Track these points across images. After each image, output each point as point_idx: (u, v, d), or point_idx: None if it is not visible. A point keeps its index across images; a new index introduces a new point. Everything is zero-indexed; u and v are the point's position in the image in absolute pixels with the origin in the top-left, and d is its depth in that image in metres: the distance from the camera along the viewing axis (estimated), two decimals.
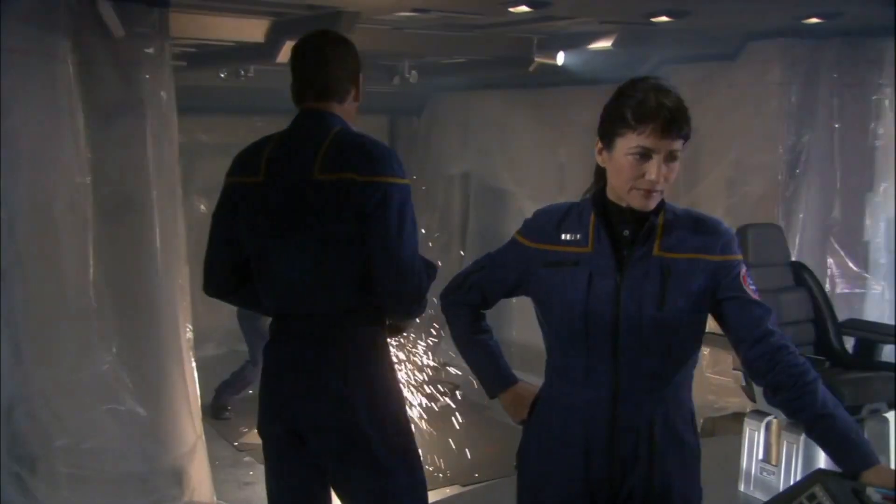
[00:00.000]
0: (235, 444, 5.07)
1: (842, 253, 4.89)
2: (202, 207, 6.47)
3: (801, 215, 4.87)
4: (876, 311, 4.83)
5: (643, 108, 1.67)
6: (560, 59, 4.86)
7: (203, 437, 3.54)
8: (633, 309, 1.76)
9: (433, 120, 7.10)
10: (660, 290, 1.75)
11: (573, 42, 4.84)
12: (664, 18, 4.00)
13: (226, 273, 2.23)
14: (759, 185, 4.93)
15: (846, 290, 4.90)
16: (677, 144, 1.70)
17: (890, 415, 3.73)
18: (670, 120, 1.65)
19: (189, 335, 3.59)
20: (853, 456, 1.66)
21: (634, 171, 1.69)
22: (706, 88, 5.08)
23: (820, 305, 3.91)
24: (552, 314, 1.86)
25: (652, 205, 1.73)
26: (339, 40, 2.17)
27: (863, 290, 4.87)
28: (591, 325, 1.79)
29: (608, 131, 1.76)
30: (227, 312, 5.44)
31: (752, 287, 1.81)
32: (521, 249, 1.91)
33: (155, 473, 3.33)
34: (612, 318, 1.77)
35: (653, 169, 1.67)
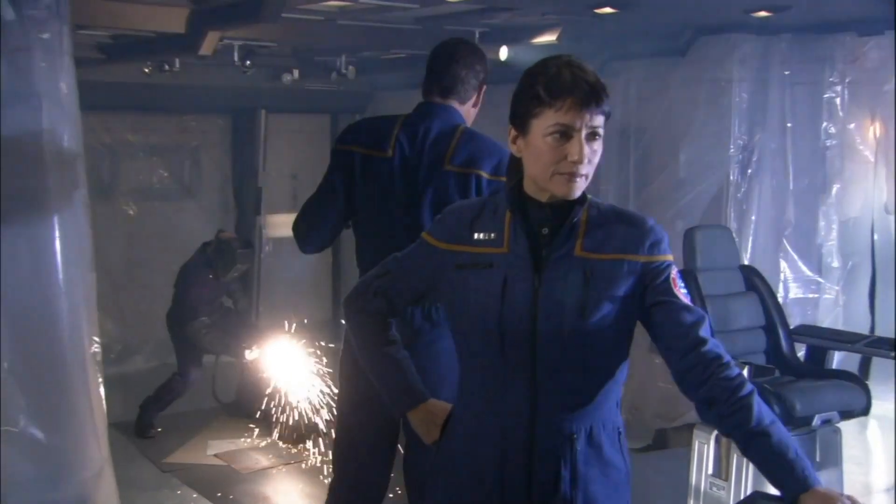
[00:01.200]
0: (161, 464, 4.84)
1: (795, 256, 4.83)
2: (130, 211, 6.23)
3: (753, 217, 4.81)
4: (829, 316, 4.79)
5: (558, 81, 1.56)
6: (503, 53, 4.74)
7: (110, 461, 3.30)
8: (552, 316, 1.63)
9: None
10: (581, 294, 1.62)
11: (517, 36, 4.73)
12: (608, 10, 3.91)
13: (329, 232, 2.55)
14: (711, 185, 4.87)
15: (799, 295, 4.84)
16: (598, 120, 1.59)
17: (843, 425, 3.67)
18: (589, 92, 1.56)
19: (95, 349, 3.35)
20: (790, 478, 1.54)
21: (555, 153, 1.57)
22: (656, 86, 5.02)
23: (771, 311, 3.85)
24: (463, 322, 1.71)
25: (576, 191, 1.61)
26: (472, 49, 2.52)
27: (816, 296, 4.82)
28: (505, 335, 1.65)
29: (521, 114, 1.63)
30: (158, 324, 5.24)
31: (684, 291, 1.69)
32: (430, 251, 1.77)
33: (55, 502, 3.09)
34: (529, 327, 1.64)
35: (575, 148, 1.56)
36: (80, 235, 3.30)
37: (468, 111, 2.51)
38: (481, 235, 1.70)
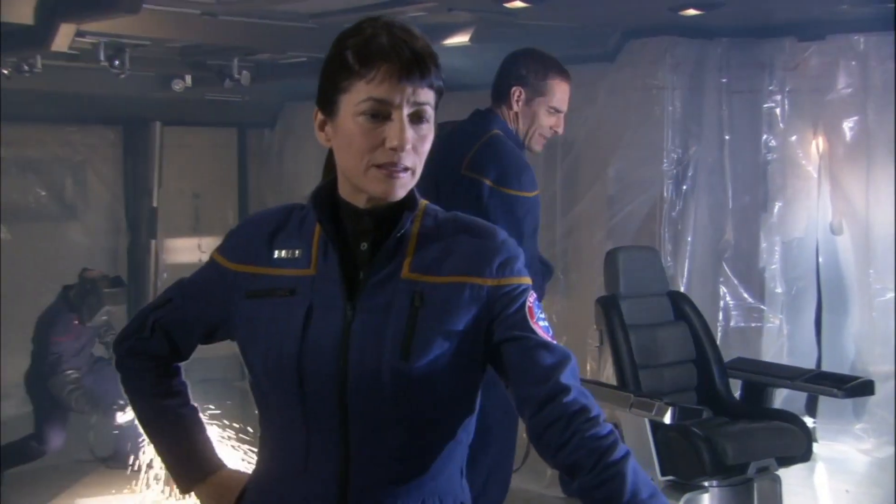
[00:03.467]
0: None
1: (735, 281, 4.62)
2: (1, 235, 5.77)
3: (689, 238, 4.61)
4: (773, 347, 4.56)
5: (372, 44, 1.27)
6: None
7: None
8: (368, 357, 1.29)
9: (287, 132, 6.68)
10: (406, 329, 1.29)
11: (427, 36, 4.44)
12: (518, 3, 3.64)
13: None
14: (643, 203, 4.67)
15: (741, 325, 4.63)
16: (425, 95, 1.28)
17: (783, 472, 3.39)
18: (411, 59, 1.26)
19: None
20: None
21: (369, 137, 1.27)
22: (583, 94, 4.68)
23: (703, 343, 3.63)
24: (254, 366, 1.36)
25: (399, 190, 1.30)
26: (518, 53, 2.69)
27: (759, 325, 4.60)
28: (307, 382, 1.30)
29: (327, 89, 1.30)
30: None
31: (543, 324, 1.35)
32: (220, 273, 1.41)
33: None
34: (338, 372, 1.30)
35: (394, 130, 1.26)
36: None
37: (506, 114, 2.65)
38: (283, 253, 1.37)
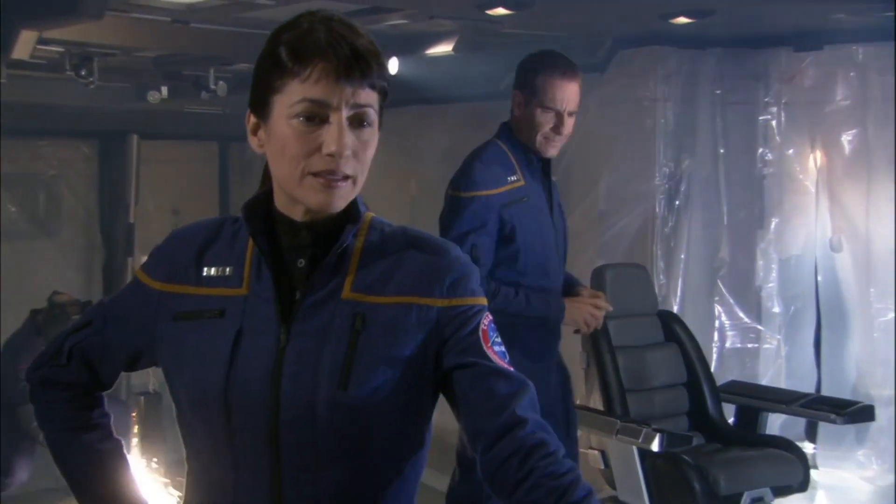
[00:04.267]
0: None
1: (731, 300, 4.57)
2: None
3: (682, 255, 4.56)
4: (770, 369, 4.50)
5: (307, 39, 1.16)
6: (393, 65, 4.37)
7: None
8: (303, 386, 1.19)
9: None
10: (346, 355, 1.19)
11: (409, 46, 4.40)
12: (501, 11, 3.59)
13: None
14: (635, 219, 4.61)
15: (737, 346, 4.58)
16: (367, 96, 1.18)
17: (780, 502, 3.27)
18: (350, 56, 1.16)
19: None
20: None
21: (304, 142, 1.17)
22: None
23: (694, 365, 3.56)
24: (179, 395, 1.26)
25: (338, 202, 1.20)
26: (527, 57, 2.70)
27: (755, 345, 4.55)
28: (235, 415, 1.20)
29: (260, 91, 1.20)
30: None
31: (499, 349, 1.24)
32: (145, 293, 1.31)
33: None
34: (269, 401, 1.19)
35: (332, 135, 1.16)
36: None
37: (514, 120, 2.64)
38: (212, 271, 1.27)
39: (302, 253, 1.23)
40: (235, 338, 1.21)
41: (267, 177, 1.30)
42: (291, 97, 1.16)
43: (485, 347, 1.22)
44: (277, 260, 1.24)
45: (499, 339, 1.25)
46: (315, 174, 1.17)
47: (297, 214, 1.22)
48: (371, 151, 1.21)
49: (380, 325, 1.20)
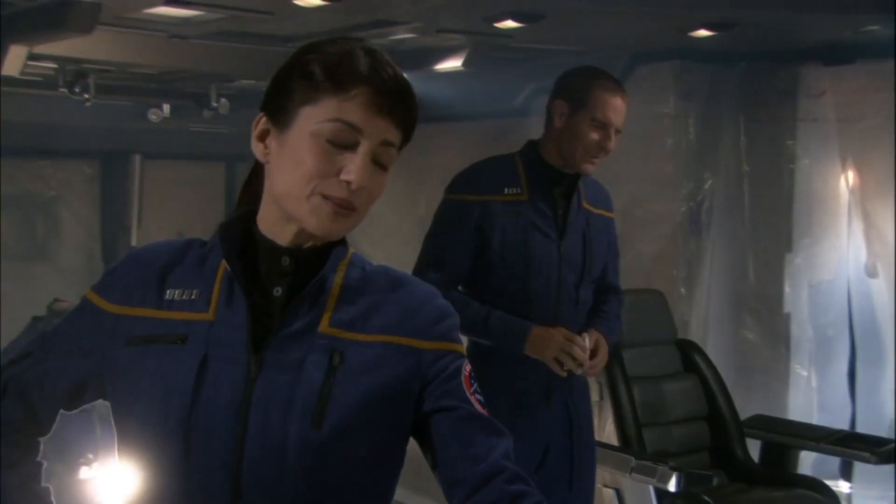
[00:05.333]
0: None
1: (757, 328, 4.50)
2: None
3: (705, 280, 4.48)
4: (801, 401, 4.40)
5: (351, 62, 1.16)
6: None
7: None
8: (273, 422, 1.14)
9: None
10: (321, 391, 1.15)
11: (417, 61, 4.37)
12: (511, 24, 3.54)
13: None
14: (654, 242, 4.53)
15: (764, 377, 4.51)
16: (395, 135, 1.18)
17: None
18: (394, 88, 1.16)
19: None
20: None
21: (323, 162, 1.15)
22: None
23: (716, 398, 3.48)
24: (128, 426, 1.19)
25: (339, 231, 1.20)
26: (574, 68, 2.63)
27: (784, 377, 4.47)
28: (193, 449, 1.14)
29: (283, 97, 1.18)
30: None
31: (479, 397, 1.22)
32: (95, 317, 1.24)
33: None
34: (233, 437, 1.14)
35: (355, 164, 1.15)
36: None
37: (552, 135, 2.56)
38: (175, 294, 1.21)
39: (280, 281, 1.20)
40: (200, 366, 1.15)
41: (247, 197, 1.27)
42: (324, 113, 1.14)
43: (467, 392, 1.20)
44: (251, 286, 1.19)
45: (479, 388, 1.23)
46: (325, 197, 1.15)
47: (284, 238, 1.20)
48: (378, 194, 1.20)
49: (359, 363, 1.18)
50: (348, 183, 1.14)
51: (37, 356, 1.28)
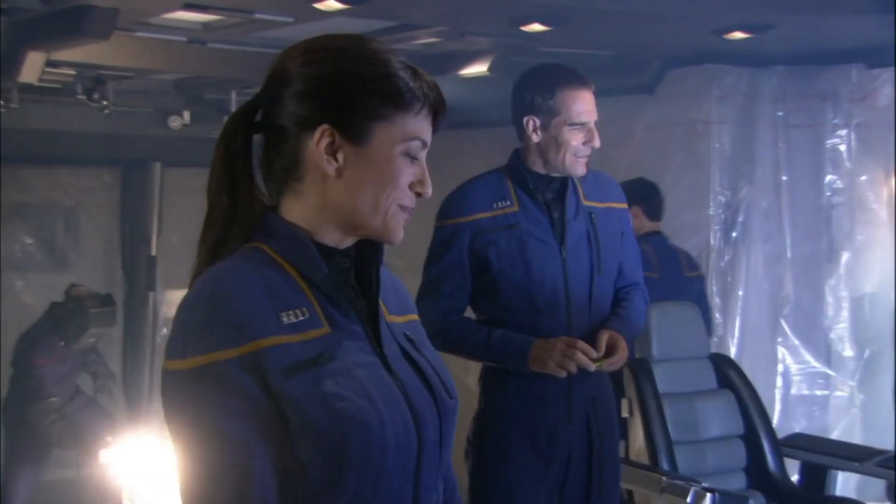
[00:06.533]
0: None
1: (796, 342, 4.45)
2: None
3: (740, 292, 4.46)
4: (843, 420, 4.37)
5: (417, 78, 1.27)
6: None
7: None
8: (429, 409, 1.33)
9: None
10: (434, 366, 1.38)
11: (442, 66, 4.38)
12: (537, 27, 3.53)
13: None
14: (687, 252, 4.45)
15: (804, 392, 4.46)
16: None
17: None
18: (442, 104, 1.30)
19: None
20: None
21: (405, 176, 1.27)
22: (619, 129, 4.65)
23: (752, 415, 3.44)
24: (346, 449, 1.26)
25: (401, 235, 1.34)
26: (519, 79, 2.56)
27: (825, 392, 4.43)
28: (388, 453, 1.27)
29: (358, 115, 1.24)
30: None
31: None
32: (234, 374, 1.16)
33: None
34: (416, 436, 1.31)
35: (425, 175, 1.29)
36: None
37: (530, 147, 2.52)
38: (290, 317, 1.20)
39: (345, 285, 1.29)
40: (372, 378, 1.23)
41: (232, 220, 1.30)
42: (403, 131, 1.24)
43: None
44: (338, 292, 1.27)
45: None
46: (402, 207, 1.27)
47: (342, 243, 1.28)
48: None
49: (419, 341, 1.35)
50: (419, 194, 1.27)
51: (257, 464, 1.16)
